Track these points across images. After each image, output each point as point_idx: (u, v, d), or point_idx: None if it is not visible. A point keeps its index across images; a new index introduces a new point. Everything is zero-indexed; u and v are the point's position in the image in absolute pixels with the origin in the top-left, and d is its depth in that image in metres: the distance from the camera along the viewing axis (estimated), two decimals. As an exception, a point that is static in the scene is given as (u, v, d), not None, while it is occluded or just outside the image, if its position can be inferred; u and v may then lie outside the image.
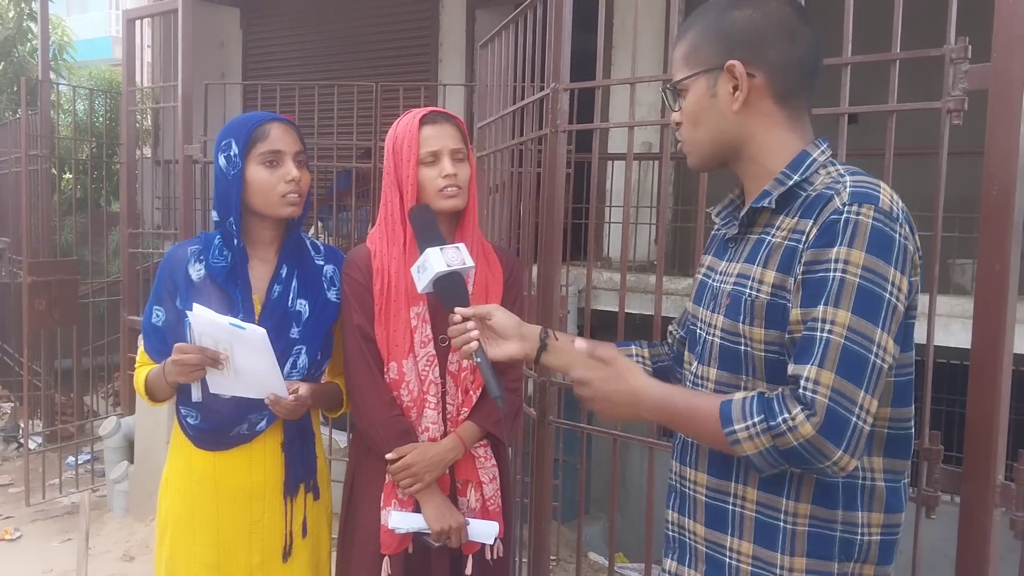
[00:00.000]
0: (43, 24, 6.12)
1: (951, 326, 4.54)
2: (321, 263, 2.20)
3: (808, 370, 1.25)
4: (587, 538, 5.48)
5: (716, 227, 1.60)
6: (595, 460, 5.93)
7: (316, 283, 2.16)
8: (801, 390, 1.25)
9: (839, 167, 1.40)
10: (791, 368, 1.29)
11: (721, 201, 1.58)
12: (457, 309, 1.73)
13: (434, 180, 2.05)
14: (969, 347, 1.77)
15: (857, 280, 1.25)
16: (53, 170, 6.04)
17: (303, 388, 2.01)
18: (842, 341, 1.24)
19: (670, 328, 1.78)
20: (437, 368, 2.11)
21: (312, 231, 5.90)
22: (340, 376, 2.21)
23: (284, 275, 2.12)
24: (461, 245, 1.85)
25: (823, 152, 1.42)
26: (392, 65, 8.16)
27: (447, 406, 2.13)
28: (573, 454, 3.14)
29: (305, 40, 8.95)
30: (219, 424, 2.07)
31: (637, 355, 1.76)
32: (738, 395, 1.33)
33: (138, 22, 5.28)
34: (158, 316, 2.10)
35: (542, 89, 2.77)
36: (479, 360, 1.70)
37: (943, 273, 5.51)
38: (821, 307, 1.26)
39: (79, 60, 10.87)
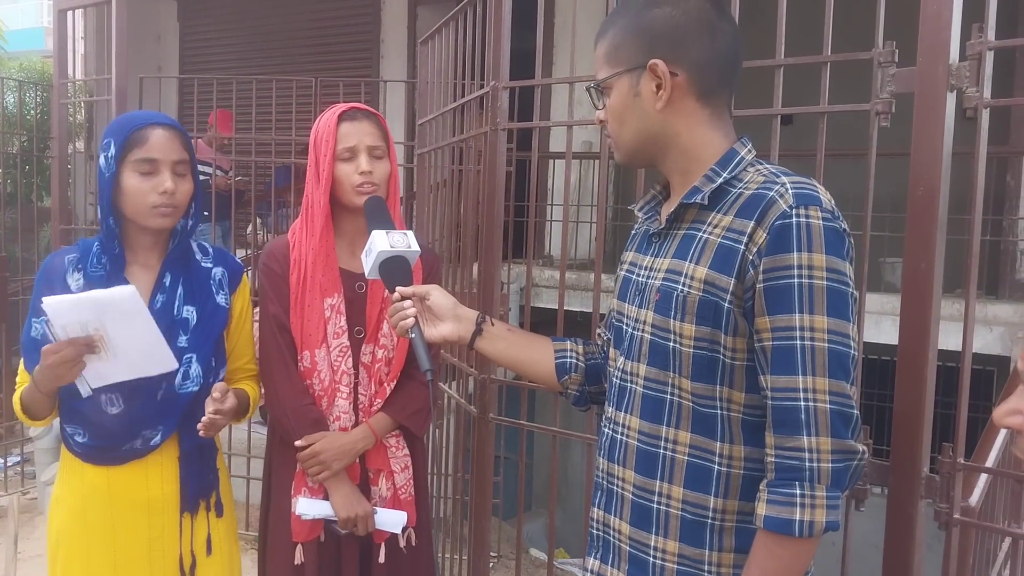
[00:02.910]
0: (-30, 13, 5.93)
1: (882, 323, 4.66)
2: (209, 266, 2.10)
3: (803, 380, 1.28)
4: (529, 534, 5.50)
5: (637, 223, 1.61)
6: (537, 457, 5.96)
7: (204, 288, 2.06)
8: (803, 406, 1.28)
9: (767, 166, 1.41)
10: (770, 380, 1.31)
11: (643, 196, 1.59)
12: (397, 288, 1.75)
13: (350, 176, 2.09)
14: (898, 343, 1.81)
15: (825, 283, 1.28)
16: (-19, 164, 5.87)
17: (229, 399, 1.92)
18: (826, 346, 1.28)
19: (598, 331, 1.79)
20: (350, 359, 2.14)
21: (251, 228, 5.83)
22: (243, 381, 2.16)
23: (168, 283, 2.01)
24: (409, 232, 1.87)
25: (749, 151, 1.44)
26: (334, 61, 8.09)
27: (359, 397, 2.17)
28: (515, 451, 3.16)
29: (245, 34, 8.81)
30: (109, 441, 1.96)
31: (571, 351, 1.76)
32: (760, 507, 1.31)
33: (70, 13, 5.14)
34: (37, 329, 1.94)
35: (482, 87, 2.77)
36: (413, 336, 1.71)
37: (875, 271, 5.65)
38: (797, 315, 1.28)
39: (10, 51, 10.57)
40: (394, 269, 1.80)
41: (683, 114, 1.42)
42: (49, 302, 1.76)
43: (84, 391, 1.87)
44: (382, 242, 1.80)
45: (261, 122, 4.75)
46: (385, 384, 2.18)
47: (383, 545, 2.18)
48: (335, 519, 2.12)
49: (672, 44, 1.40)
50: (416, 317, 1.71)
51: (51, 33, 5.48)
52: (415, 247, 1.83)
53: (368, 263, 1.82)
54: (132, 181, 1.94)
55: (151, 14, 9.06)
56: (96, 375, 1.85)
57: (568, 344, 1.77)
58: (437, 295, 1.74)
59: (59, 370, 1.79)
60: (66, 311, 1.78)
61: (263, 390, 2.19)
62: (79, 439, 1.98)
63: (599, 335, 1.78)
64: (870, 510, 1.92)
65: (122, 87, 4.38)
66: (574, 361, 1.75)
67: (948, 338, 1.96)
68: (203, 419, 1.89)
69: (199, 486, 2.05)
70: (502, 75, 2.64)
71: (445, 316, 1.73)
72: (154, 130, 1.95)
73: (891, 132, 1.87)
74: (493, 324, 1.74)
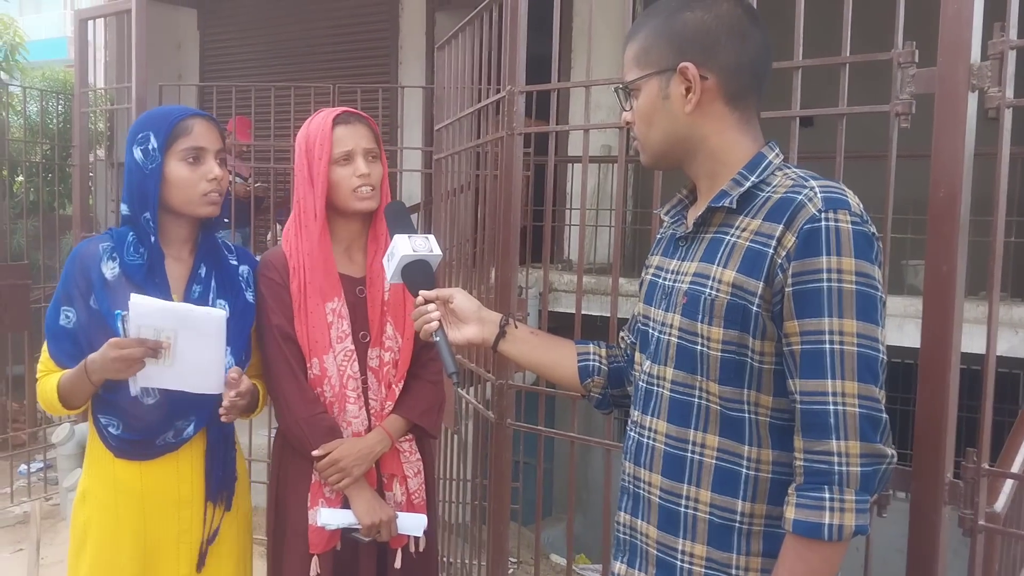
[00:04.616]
0: (-8, 24, 6.00)
1: (905, 326, 4.61)
2: (235, 263, 2.14)
3: (832, 384, 1.27)
4: (551, 540, 5.48)
5: (664, 227, 1.61)
6: (557, 462, 5.94)
7: (234, 284, 2.10)
8: (832, 409, 1.27)
9: (795, 170, 1.41)
10: (799, 384, 1.30)
11: (670, 200, 1.59)
12: (421, 292, 1.76)
13: (348, 179, 2.10)
14: (921, 347, 1.79)
15: (854, 287, 1.27)
16: (4, 172, 5.92)
17: (245, 381, 1.96)
18: (855, 349, 1.27)
19: (621, 334, 1.79)
20: (356, 363, 2.14)
21: (270, 235, 5.85)
22: (255, 377, 2.17)
23: (203, 275, 2.05)
24: (431, 236, 1.87)
25: (777, 155, 1.44)
26: (352, 67, 8.11)
27: (370, 401, 2.16)
28: (534, 456, 3.15)
29: (264, 42, 8.86)
30: (144, 433, 1.98)
31: (594, 354, 1.76)
32: (788, 511, 1.30)
33: (91, 22, 5.19)
34: (67, 318, 1.98)
35: (499, 91, 2.77)
36: (438, 339, 1.72)
37: (898, 274, 5.60)
38: (826, 319, 1.28)
39: (34, 61, 10.65)
40: (417, 273, 1.80)
41: (712, 118, 1.42)
42: (137, 300, 1.81)
43: (134, 390, 1.91)
44: (404, 246, 1.80)
45: (280, 129, 4.77)
46: (394, 386, 2.17)
47: (399, 550, 2.18)
48: (358, 527, 2.11)
49: (703, 48, 1.40)
50: (440, 320, 1.72)
51: (73, 43, 5.53)
52: (437, 251, 1.84)
53: (390, 267, 1.82)
54: (181, 171, 1.97)
55: (171, 23, 9.13)
56: (146, 376, 1.89)
57: (591, 347, 1.77)
58: (461, 298, 1.75)
59: (120, 365, 1.84)
60: (150, 313, 1.82)
61: (273, 402, 2.18)
62: (113, 431, 1.99)
63: (622, 338, 1.78)
64: (894, 514, 1.90)
65: (142, 95, 4.42)
66: (597, 364, 1.75)
67: (972, 341, 1.93)
68: (224, 403, 1.92)
69: (223, 477, 2.09)
70: (518, 79, 2.64)
71: (469, 319, 1.74)
72: (196, 120, 2.00)
73: (911, 133, 1.85)
74: (517, 327, 1.75)
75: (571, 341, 1.80)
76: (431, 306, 1.73)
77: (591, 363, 1.75)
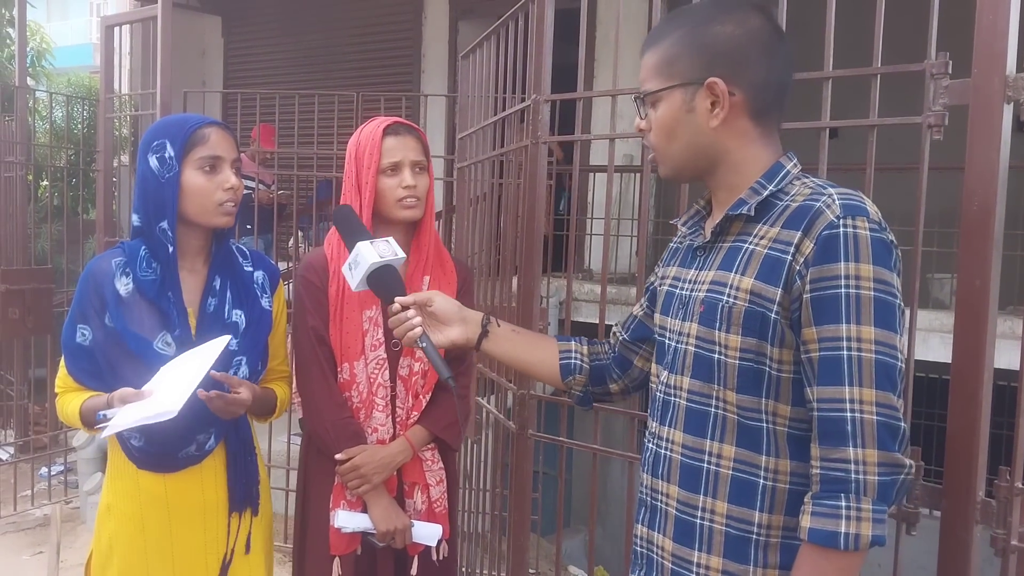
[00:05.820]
0: (20, 30, 6.06)
1: (930, 340, 4.55)
2: (250, 269, 2.12)
3: (849, 391, 1.26)
4: (569, 551, 5.45)
5: (679, 237, 1.61)
6: (578, 473, 5.91)
7: (250, 292, 2.08)
8: (849, 416, 1.26)
9: (813, 179, 1.41)
10: (816, 391, 1.29)
11: (687, 211, 1.58)
12: (397, 299, 1.72)
13: (394, 190, 2.11)
14: (948, 361, 1.76)
15: (872, 294, 1.27)
16: (29, 177, 5.97)
17: (244, 391, 1.93)
18: (873, 356, 1.26)
19: (614, 329, 1.79)
20: (387, 371, 2.15)
21: (292, 241, 5.87)
22: (274, 382, 2.17)
23: (218, 287, 2.02)
24: (390, 238, 1.84)
25: (795, 165, 1.44)
26: (375, 75, 8.15)
27: (397, 410, 2.18)
28: (554, 466, 3.13)
29: (287, 49, 8.91)
30: (165, 446, 1.96)
31: (576, 352, 1.77)
32: (804, 520, 1.29)
33: (117, 29, 5.23)
34: (84, 335, 1.96)
35: (524, 100, 2.76)
36: (424, 346, 1.68)
37: (923, 287, 5.54)
38: (844, 325, 1.27)
39: (60, 67, 10.79)
40: (385, 279, 1.77)
41: (736, 132, 1.42)
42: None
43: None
44: (370, 253, 1.76)
45: (303, 136, 4.78)
46: (421, 396, 2.19)
47: (416, 557, 2.19)
48: (373, 532, 2.13)
49: (733, 63, 1.39)
50: (422, 326, 1.70)
51: (99, 49, 5.58)
52: (401, 254, 1.81)
53: (356, 276, 1.78)
54: (197, 180, 1.95)
55: (196, 30, 9.20)
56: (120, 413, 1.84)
57: (573, 345, 1.78)
58: (440, 300, 1.74)
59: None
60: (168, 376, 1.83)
61: (297, 401, 2.21)
62: (135, 443, 1.99)
63: (614, 333, 1.78)
64: (922, 532, 1.87)
65: (167, 101, 4.45)
66: (579, 363, 1.77)
67: (1001, 356, 1.89)
68: (215, 394, 1.87)
69: (246, 485, 2.09)
70: (544, 88, 2.63)
71: (451, 320, 1.73)
72: (213, 128, 1.98)
73: (938, 145, 1.82)
74: (499, 325, 1.76)
75: (553, 339, 1.80)
76: (410, 312, 1.70)
77: (573, 361, 1.76)
